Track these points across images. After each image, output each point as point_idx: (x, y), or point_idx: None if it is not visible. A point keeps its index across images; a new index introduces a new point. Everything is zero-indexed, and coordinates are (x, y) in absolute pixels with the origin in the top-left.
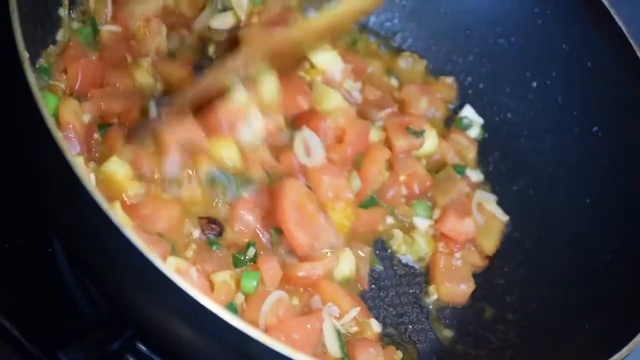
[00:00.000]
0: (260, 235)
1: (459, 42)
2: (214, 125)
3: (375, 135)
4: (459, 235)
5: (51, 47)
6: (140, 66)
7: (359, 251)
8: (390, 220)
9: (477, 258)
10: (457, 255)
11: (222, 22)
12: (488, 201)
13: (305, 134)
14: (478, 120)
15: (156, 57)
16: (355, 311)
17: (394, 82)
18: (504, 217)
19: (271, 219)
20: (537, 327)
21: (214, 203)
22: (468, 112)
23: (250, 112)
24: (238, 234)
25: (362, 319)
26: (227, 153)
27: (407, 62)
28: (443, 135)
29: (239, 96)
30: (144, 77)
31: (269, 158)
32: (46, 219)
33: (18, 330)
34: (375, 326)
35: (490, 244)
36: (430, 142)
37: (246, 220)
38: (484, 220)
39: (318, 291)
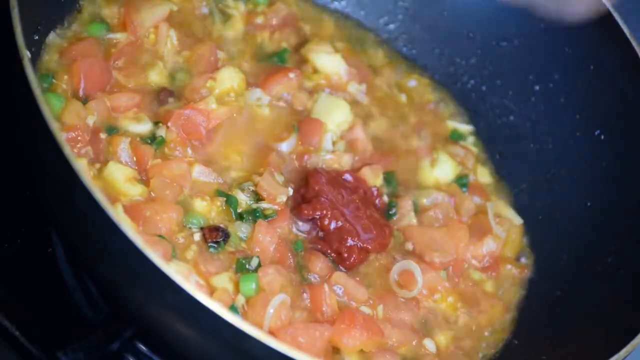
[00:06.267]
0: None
1: (462, 44)
2: None
3: None
4: (483, 257)
5: (56, 42)
6: (155, 66)
7: None
8: None
9: (514, 270)
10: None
11: (232, 30)
12: (503, 208)
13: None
14: (468, 128)
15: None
16: None
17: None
18: (519, 221)
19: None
20: (536, 330)
21: None
22: (455, 124)
23: None
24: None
25: None
26: None
27: (414, 83)
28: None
29: None
30: (158, 76)
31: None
32: (46, 219)
33: (18, 330)
34: None
35: (513, 252)
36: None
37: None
38: (505, 232)
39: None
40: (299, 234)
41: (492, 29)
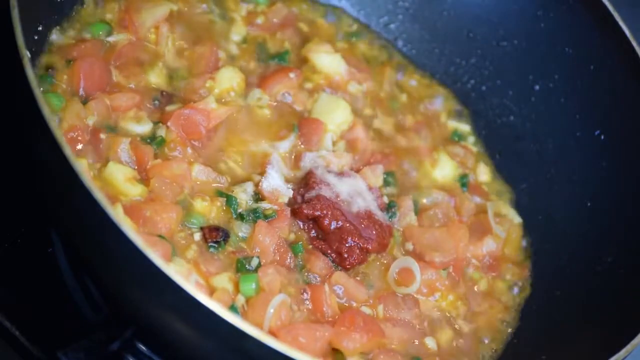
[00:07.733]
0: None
1: (462, 44)
2: None
3: None
4: (483, 257)
5: (56, 42)
6: (155, 66)
7: None
8: None
9: (515, 270)
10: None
11: (233, 31)
12: (503, 207)
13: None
14: (468, 128)
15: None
16: None
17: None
18: (518, 219)
19: None
20: (536, 330)
21: None
22: (455, 124)
23: None
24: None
25: None
26: None
27: (414, 83)
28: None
29: None
30: (159, 77)
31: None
32: (46, 219)
33: (18, 330)
34: None
35: (513, 251)
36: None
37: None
38: (505, 232)
39: None
40: (299, 234)
41: (492, 29)
